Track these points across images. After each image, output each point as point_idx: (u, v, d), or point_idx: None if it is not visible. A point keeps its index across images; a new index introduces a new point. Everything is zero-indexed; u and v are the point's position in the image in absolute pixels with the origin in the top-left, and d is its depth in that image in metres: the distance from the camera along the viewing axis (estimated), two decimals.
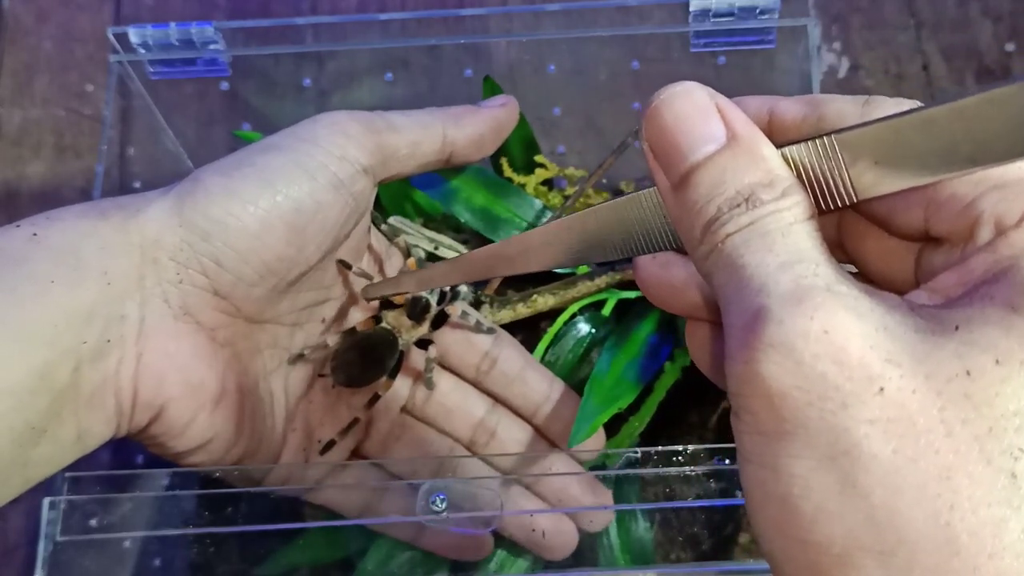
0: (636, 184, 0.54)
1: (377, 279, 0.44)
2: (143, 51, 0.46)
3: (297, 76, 0.54)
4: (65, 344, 0.33)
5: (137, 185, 0.49)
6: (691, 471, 0.38)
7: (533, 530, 0.43)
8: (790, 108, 0.26)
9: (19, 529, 0.53)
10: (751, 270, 0.22)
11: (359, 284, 0.44)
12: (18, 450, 0.32)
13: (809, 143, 0.24)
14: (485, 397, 0.46)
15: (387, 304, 0.44)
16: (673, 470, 0.38)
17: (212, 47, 0.46)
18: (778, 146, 0.24)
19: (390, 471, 0.44)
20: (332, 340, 0.43)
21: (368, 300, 0.42)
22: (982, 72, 0.60)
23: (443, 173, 0.47)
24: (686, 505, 0.47)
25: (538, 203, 0.48)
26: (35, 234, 0.34)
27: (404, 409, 0.46)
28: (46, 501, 0.37)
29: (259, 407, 0.40)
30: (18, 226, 0.34)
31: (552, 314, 0.49)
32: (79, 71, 0.63)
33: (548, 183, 0.51)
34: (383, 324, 0.43)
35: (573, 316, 0.48)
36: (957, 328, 0.20)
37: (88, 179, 0.61)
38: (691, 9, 0.45)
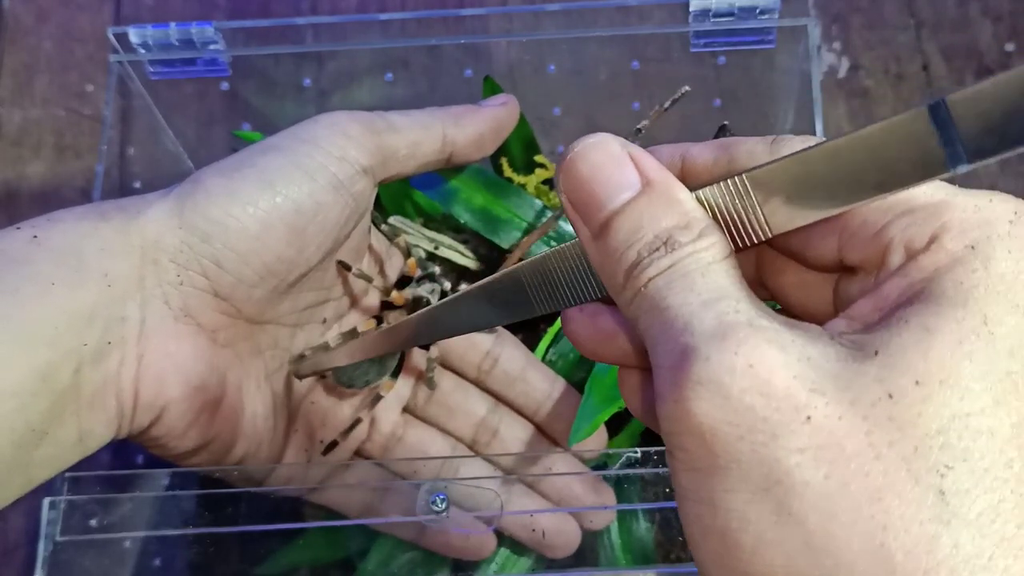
0: None
1: (377, 280, 0.44)
2: (143, 51, 0.46)
3: (297, 76, 0.54)
4: (66, 345, 0.33)
5: (137, 185, 0.49)
6: None
7: (533, 530, 0.43)
8: (701, 152, 0.26)
9: (19, 529, 0.53)
10: (675, 310, 0.22)
11: (359, 285, 0.44)
12: (19, 451, 0.32)
13: (721, 184, 0.24)
14: (487, 396, 0.46)
15: (388, 305, 0.44)
16: None
17: (212, 47, 0.46)
18: (692, 189, 0.25)
19: (392, 471, 0.44)
20: (333, 340, 0.43)
21: (300, 378, 0.43)
22: (982, 72, 0.60)
23: (443, 173, 0.47)
24: None
25: (538, 203, 0.48)
26: (36, 236, 0.34)
27: (406, 409, 0.46)
28: (46, 501, 0.37)
29: (260, 408, 0.40)
30: (19, 228, 0.34)
31: (552, 314, 0.48)
32: (79, 71, 0.63)
33: (548, 183, 0.51)
34: (384, 325, 0.43)
35: None
36: (877, 353, 0.21)
37: (88, 179, 0.61)
38: (691, 9, 0.45)
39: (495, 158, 0.50)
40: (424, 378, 0.45)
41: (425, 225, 0.49)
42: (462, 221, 0.47)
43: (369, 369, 0.43)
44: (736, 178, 0.24)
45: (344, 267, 0.42)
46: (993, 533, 0.19)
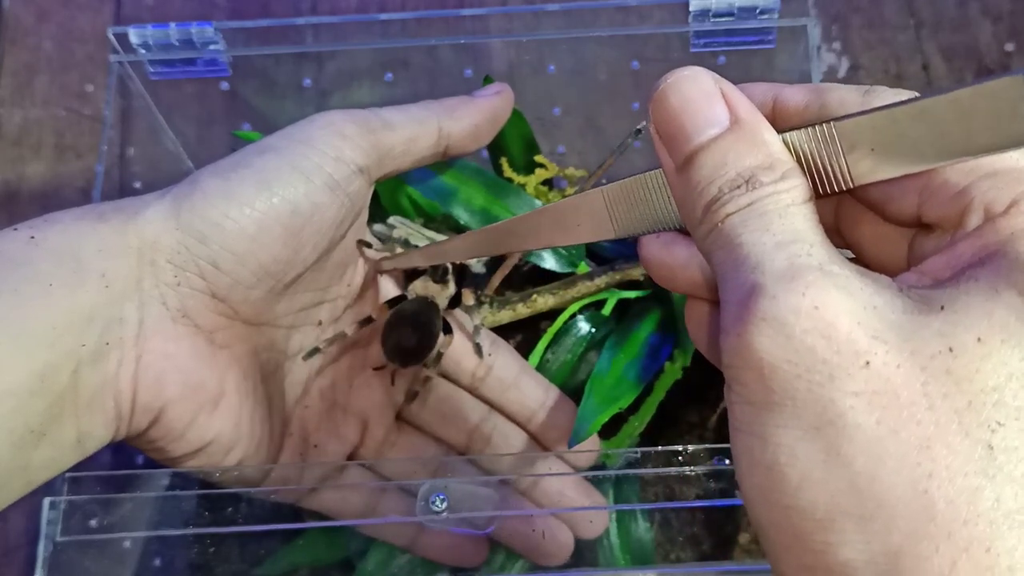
0: None
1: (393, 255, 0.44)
2: (143, 51, 0.46)
3: (297, 76, 0.54)
4: (65, 346, 0.33)
5: (137, 185, 0.49)
6: (691, 471, 0.38)
7: (533, 530, 0.43)
8: (794, 95, 0.26)
9: (19, 529, 0.53)
10: (748, 248, 0.23)
11: (355, 284, 0.44)
12: (18, 453, 0.32)
13: (809, 129, 0.25)
14: (480, 404, 0.46)
15: (412, 275, 0.45)
16: (673, 470, 0.38)
17: (212, 47, 0.46)
18: (779, 131, 0.25)
19: (384, 476, 0.44)
20: (350, 330, 0.43)
21: (381, 273, 0.44)
22: (982, 72, 0.60)
23: (436, 167, 0.47)
24: (686, 505, 0.47)
25: (538, 203, 0.48)
26: (33, 237, 0.34)
27: (399, 416, 0.46)
28: (46, 501, 0.37)
29: (257, 410, 0.40)
30: (16, 229, 0.34)
31: (552, 314, 0.49)
32: (79, 71, 0.63)
33: (548, 183, 0.51)
34: (413, 294, 0.44)
35: (573, 316, 0.48)
36: (942, 308, 0.21)
37: (88, 179, 0.61)
38: (691, 9, 0.45)
39: (495, 158, 0.50)
40: (409, 393, 0.45)
41: (425, 225, 0.49)
42: (461, 222, 0.47)
43: (422, 336, 0.43)
44: (824, 125, 0.24)
45: (364, 244, 0.43)
46: None
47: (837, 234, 0.28)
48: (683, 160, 0.25)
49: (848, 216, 0.27)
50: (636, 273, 0.47)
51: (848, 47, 0.61)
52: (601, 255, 0.50)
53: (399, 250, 0.45)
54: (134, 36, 0.46)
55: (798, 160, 0.25)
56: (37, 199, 0.60)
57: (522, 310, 0.48)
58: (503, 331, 0.50)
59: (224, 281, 0.36)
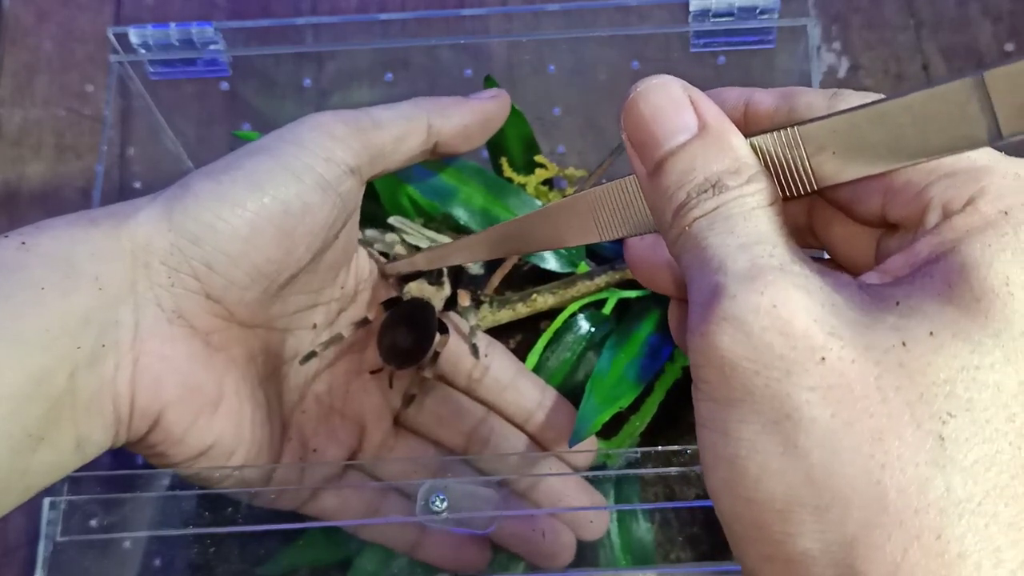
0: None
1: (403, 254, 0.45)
2: (143, 51, 0.46)
3: (297, 76, 0.54)
4: (60, 350, 0.33)
5: (137, 185, 0.49)
6: (691, 471, 0.38)
7: (533, 529, 0.43)
8: (763, 100, 0.27)
9: (19, 529, 0.53)
10: (713, 251, 0.23)
11: (349, 286, 0.45)
12: (16, 457, 0.32)
13: (774, 133, 0.25)
14: (478, 405, 0.46)
15: (407, 278, 0.45)
16: (673, 470, 0.38)
17: (212, 47, 0.46)
18: (747, 136, 0.25)
19: (376, 476, 0.44)
20: (346, 332, 0.43)
21: (387, 276, 0.45)
22: None
23: (436, 167, 0.47)
24: (686, 505, 0.47)
25: (538, 203, 0.48)
26: (24, 243, 0.34)
27: (396, 421, 0.46)
28: (46, 501, 0.37)
29: (257, 414, 0.40)
30: (6, 236, 0.34)
31: (552, 314, 0.49)
32: (79, 71, 0.63)
33: (548, 183, 0.51)
34: (409, 296, 0.44)
35: (573, 315, 0.48)
36: (897, 303, 0.22)
37: (88, 179, 0.61)
38: (691, 9, 0.45)
39: (495, 158, 0.50)
40: (407, 396, 0.45)
41: (425, 225, 0.49)
42: (462, 221, 0.47)
43: (418, 336, 0.44)
44: (788, 129, 0.25)
45: (367, 243, 0.43)
46: (986, 480, 0.20)
47: (811, 234, 0.29)
48: (653, 166, 0.25)
49: (820, 217, 0.28)
50: None
51: (848, 47, 0.61)
52: (601, 255, 0.50)
53: (398, 249, 0.45)
54: (134, 36, 0.46)
55: (765, 163, 0.25)
56: (37, 199, 0.60)
57: (522, 309, 0.48)
58: (503, 330, 0.50)
59: (218, 282, 0.36)
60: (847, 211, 0.27)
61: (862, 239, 0.27)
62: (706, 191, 0.24)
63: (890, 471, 0.20)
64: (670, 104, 0.26)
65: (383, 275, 0.45)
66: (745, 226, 0.24)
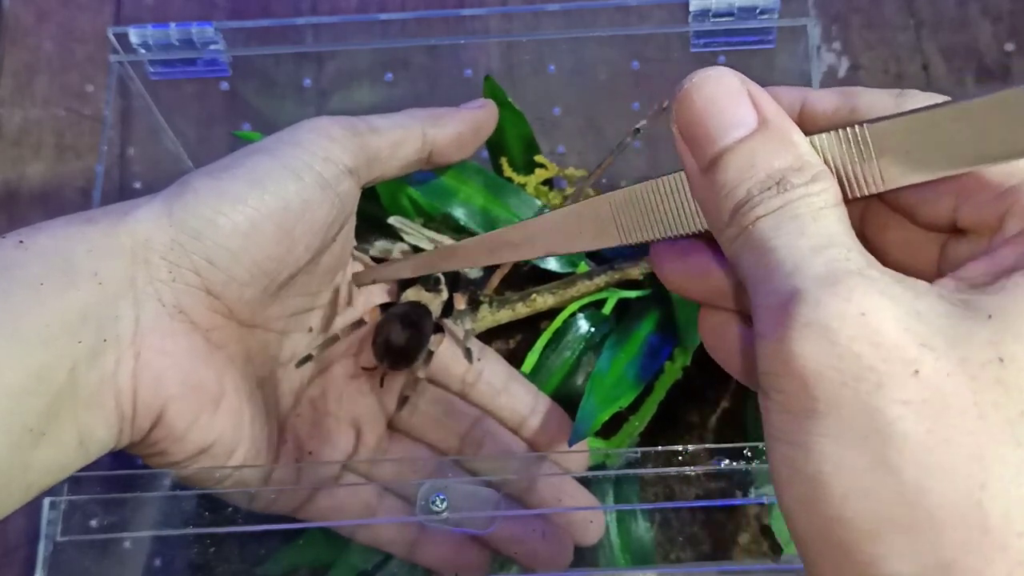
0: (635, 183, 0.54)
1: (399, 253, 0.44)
2: (143, 51, 0.46)
3: (297, 76, 0.54)
4: (60, 345, 0.33)
5: (137, 185, 0.49)
6: (691, 471, 0.38)
7: (533, 530, 0.43)
8: (822, 100, 0.26)
9: (19, 529, 0.53)
10: (783, 252, 0.22)
11: (377, 290, 0.44)
12: (17, 453, 0.32)
13: (840, 131, 0.24)
14: (472, 407, 0.46)
15: (404, 284, 0.45)
16: (673, 470, 0.38)
17: (212, 47, 0.46)
18: (807, 134, 0.24)
19: (378, 480, 0.44)
20: (342, 334, 0.43)
21: (359, 285, 0.43)
22: (982, 72, 0.60)
23: (437, 172, 0.47)
24: (686, 505, 0.47)
25: (538, 203, 0.48)
26: (22, 241, 0.34)
27: (391, 425, 0.46)
28: (46, 501, 0.37)
29: (257, 414, 0.40)
30: (3, 237, 0.34)
31: (551, 314, 0.49)
32: (79, 71, 0.63)
33: (548, 183, 0.51)
34: (407, 300, 0.44)
35: (573, 315, 0.48)
36: (990, 317, 0.21)
37: (88, 179, 0.61)
38: (691, 9, 0.45)
39: (495, 158, 0.50)
40: (401, 398, 0.45)
41: (425, 225, 0.49)
42: (462, 221, 0.47)
43: (412, 336, 0.43)
44: (856, 127, 0.24)
45: (361, 251, 0.43)
46: None
47: (863, 239, 0.28)
48: (708, 162, 0.24)
49: (875, 221, 0.27)
50: (636, 272, 0.47)
51: (848, 47, 0.61)
52: (601, 255, 0.50)
53: (397, 254, 0.45)
54: (134, 36, 0.46)
55: (826, 163, 0.24)
56: (37, 199, 0.60)
57: (521, 310, 0.48)
58: (502, 331, 0.50)
59: (219, 278, 0.37)
60: (909, 215, 0.26)
61: (922, 244, 0.26)
62: (769, 188, 0.23)
63: (991, 492, 0.19)
64: (727, 97, 0.24)
65: (358, 284, 0.44)
66: (816, 227, 0.22)
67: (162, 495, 0.38)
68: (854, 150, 0.24)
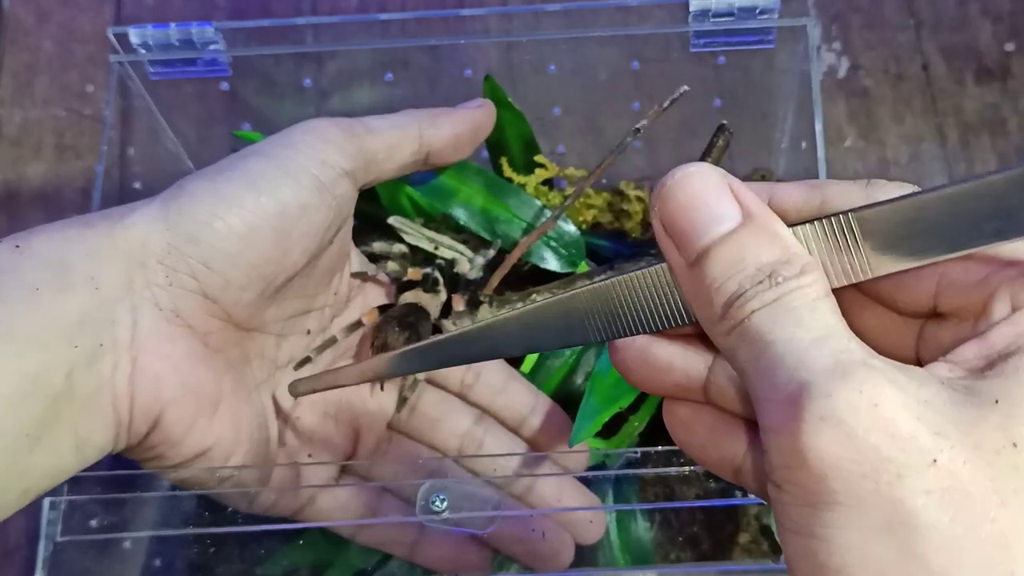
0: (635, 183, 0.54)
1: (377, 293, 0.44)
2: (143, 51, 0.46)
3: (297, 76, 0.54)
4: (56, 349, 0.33)
5: (137, 185, 0.49)
6: (691, 471, 0.38)
7: (533, 530, 0.43)
8: (790, 194, 0.26)
9: (20, 529, 0.54)
10: (783, 346, 0.22)
11: (343, 291, 0.44)
12: (14, 457, 0.32)
13: (823, 221, 0.24)
14: (471, 408, 0.46)
15: (403, 286, 0.45)
16: (673, 470, 0.38)
17: (212, 47, 0.46)
18: (789, 226, 0.25)
19: (378, 481, 0.44)
20: (340, 335, 0.43)
21: (296, 396, 0.41)
22: (981, 72, 0.60)
23: (437, 172, 0.47)
24: (686, 505, 0.47)
25: (537, 203, 0.48)
26: (18, 246, 0.34)
27: (390, 426, 0.46)
28: (46, 501, 0.37)
29: (255, 417, 0.40)
30: (0, 242, 0.34)
31: None
32: (79, 71, 0.63)
33: (548, 183, 0.51)
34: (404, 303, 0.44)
35: None
36: (997, 402, 0.21)
37: (88, 179, 0.61)
38: (691, 9, 0.45)
39: (495, 158, 0.50)
40: (400, 399, 0.45)
41: (425, 225, 0.49)
42: (462, 222, 0.47)
43: (410, 337, 0.43)
44: (840, 216, 0.24)
45: (362, 278, 0.43)
46: None
47: None
48: (695, 256, 0.24)
49: (849, 307, 0.27)
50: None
51: (848, 47, 0.61)
52: (600, 254, 0.50)
53: (391, 265, 0.45)
54: (134, 36, 0.46)
55: (810, 254, 0.24)
56: (37, 199, 0.60)
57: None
58: None
59: (216, 281, 0.37)
60: (887, 300, 0.26)
61: (899, 329, 0.26)
62: (761, 282, 0.23)
63: None
64: (710, 192, 0.25)
65: (295, 395, 0.42)
66: (813, 318, 0.23)
67: (162, 495, 0.38)
68: (839, 239, 0.24)
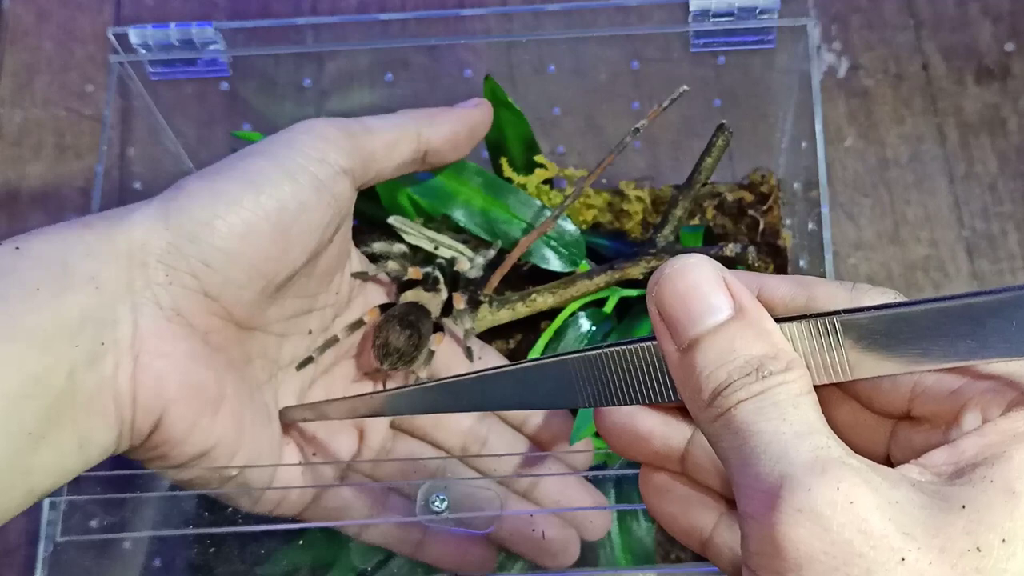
0: (635, 183, 0.54)
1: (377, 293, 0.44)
2: (143, 51, 0.46)
3: (297, 76, 0.54)
4: (57, 349, 0.33)
5: (137, 185, 0.49)
6: None
7: (533, 530, 0.43)
8: (778, 288, 0.27)
9: (19, 529, 0.54)
10: (767, 437, 0.23)
11: (344, 291, 0.44)
12: (17, 457, 0.32)
13: (809, 321, 0.26)
14: None
15: (405, 286, 0.45)
16: None
17: (212, 47, 0.46)
18: (775, 320, 0.26)
19: (381, 480, 0.44)
20: (341, 335, 0.43)
21: (288, 422, 0.42)
22: (981, 72, 0.60)
23: (436, 172, 0.47)
24: None
25: (537, 203, 0.48)
26: (18, 247, 0.34)
27: (393, 425, 0.46)
28: (46, 502, 0.37)
29: (257, 417, 0.40)
30: (0, 244, 0.34)
31: (552, 313, 0.49)
32: (79, 71, 0.63)
33: (548, 183, 0.51)
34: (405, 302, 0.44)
35: (574, 313, 0.48)
36: (964, 507, 0.22)
37: (88, 179, 0.61)
38: (691, 9, 0.45)
39: (495, 158, 0.50)
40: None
41: (425, 225, 0.49)
42: (461, 222, 0.47)
43: (410, 335, 0.43)
44: (827, 318, 0.25)
45: (362, 278, 0.43)
46: None
47: None
48: (687, 344, 0.25)
49: (825, 402, 0.28)
50: (636, 272, 0.47)
51: (848, 47, 0.61)
52: (601, 254, 0.50)
53: (391, 265, 0.45)
54: (134, 36, 0.46)
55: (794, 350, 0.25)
56: (37, 199, 0.60)
57: (521, 309, 0.48)
58: (503, 330, 0.50)
59: (216, 280, 0.37)
60: (863, 400, 0.27)
61: (871, 427, 0.27)
62: (748, 374, 0.24)
63: None
64: (705, 283, 0.26)
65: (287, 422, 0.42)
66: (796, 413, 0.24)
67: (162, 495, 0.38)
68: (822, 339, 0.25)
